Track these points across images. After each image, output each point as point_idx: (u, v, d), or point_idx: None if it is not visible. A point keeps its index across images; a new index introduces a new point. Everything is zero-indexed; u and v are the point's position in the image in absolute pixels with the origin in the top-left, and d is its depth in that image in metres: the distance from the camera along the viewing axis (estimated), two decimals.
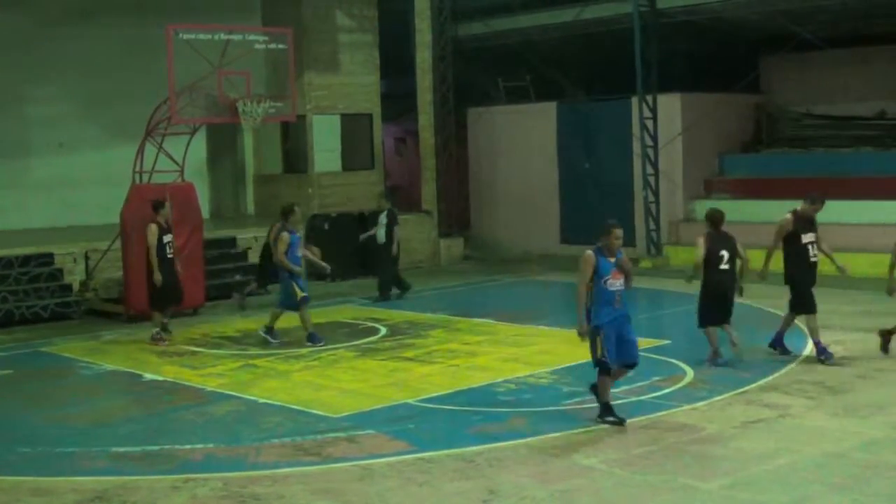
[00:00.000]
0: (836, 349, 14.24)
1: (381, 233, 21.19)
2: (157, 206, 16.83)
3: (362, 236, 22.28)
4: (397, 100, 29.07)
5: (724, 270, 13.77)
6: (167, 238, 16.66)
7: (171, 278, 16.72)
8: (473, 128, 29.68)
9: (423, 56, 27.40)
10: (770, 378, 12.78)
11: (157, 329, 16.62)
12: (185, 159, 19.79)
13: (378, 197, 22.67)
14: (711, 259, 13.76)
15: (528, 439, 10.46)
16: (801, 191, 23.79)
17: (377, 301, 20.56)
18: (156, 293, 16.71)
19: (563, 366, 13.90)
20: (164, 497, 9.14)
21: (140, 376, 14.41)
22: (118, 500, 9.08)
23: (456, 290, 22.36)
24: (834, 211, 23.05)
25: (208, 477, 9.59)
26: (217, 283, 20.88)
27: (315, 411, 11.91)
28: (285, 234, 16.09)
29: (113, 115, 24.00)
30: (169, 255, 16.75)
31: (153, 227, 16.43)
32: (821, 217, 22.80)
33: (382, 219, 21.28)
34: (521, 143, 28.42)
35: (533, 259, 26.48)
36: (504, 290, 22.42)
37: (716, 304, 13.84)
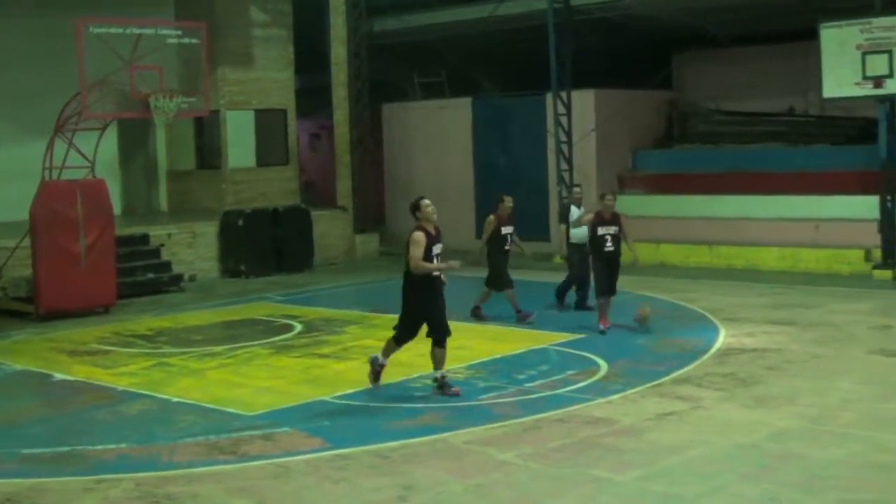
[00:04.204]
0: (746, 342, 14.47)
1: (580, 231, 17.21)
2: (414, 208, 12.38)
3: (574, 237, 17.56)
4: (312, 95, 28.98)
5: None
6: (437, 249, 12.24)
7: (435, 304, 12.31)
8: (389, 123, 29.69)
9: (338, 51, 27.31)
10: (682, 371, 12.93)
11: (378, 356, 12.78)
12: (97, 155, 19.52)
13: (567, 189, 18.39)
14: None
15: (444, 434, 10.47)
16: (713, 186, 24.37)
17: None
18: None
19: (478, 361, 13.96)
20: (75, 499, 9.01)
21: (50, 376, 14.17)
22: (28, 503, 8.94)
23: (371, 286, 22.33)
24: (743, 206, 23.55)
25: (121, 477, 9.46)
26: (129, 281, 20.63)
27: (230, 409, 11.81)
28: None
29: (22, 111, 23.60)
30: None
31: (418, 236, 12.04)
32: (730, 212, 23.36)
33: (577, 211, 17.83)
34: (437, 139, 28.47)
35: (448, 255, 26.49)
36: None
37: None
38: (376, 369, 12.60)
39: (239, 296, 20.81)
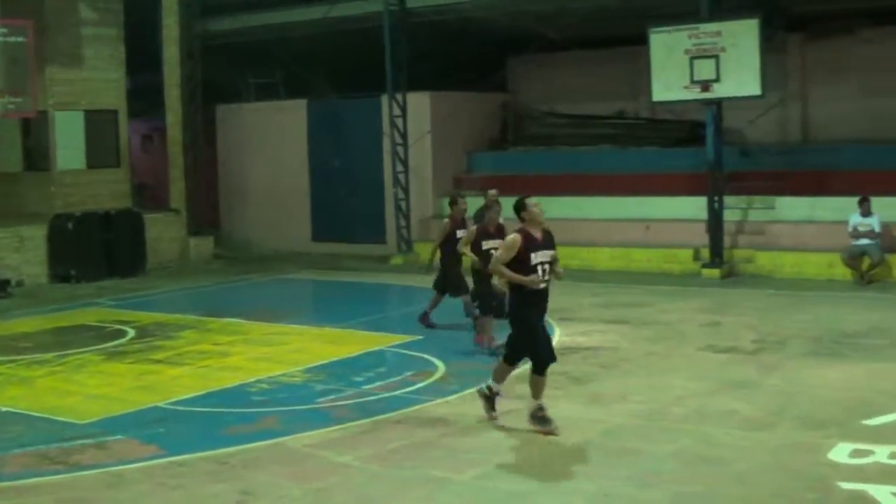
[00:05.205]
0: (580, 340, 14.72)
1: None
2: (520, 208, 10.63)
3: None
4: (144, 96, 28.42)
5: None
6: (542, 257, 10.40)
7: (536, 324, 10.62)
8: (223, 125, 29.38)
9: (171, 51, 26.86)
10: (519, 370, 13.06)
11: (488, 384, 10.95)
12: None
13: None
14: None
15: (283, 438, 10.39)
16: (547, 187, 24.77)
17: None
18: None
19: (316, 364, 13.89)
20: None
21: None
22: None
23: (206, 290, 22.03)
24: (577, 207, 23.96)
25: None
26: None
27: (61, 418, 11.50)
28: None
29: None
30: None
31: (513, 239, 10.40)
32: (564, 213, 23.73)
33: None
34: (272, 141, 28.28)
35: (285, 257, 26.37)
36: (255, 288, 22.23)
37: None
38: (491, 398, 10.83)
39: (69, 301, 20.30)
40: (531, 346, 10.38)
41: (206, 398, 12.28)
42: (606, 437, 10.13)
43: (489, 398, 10.80)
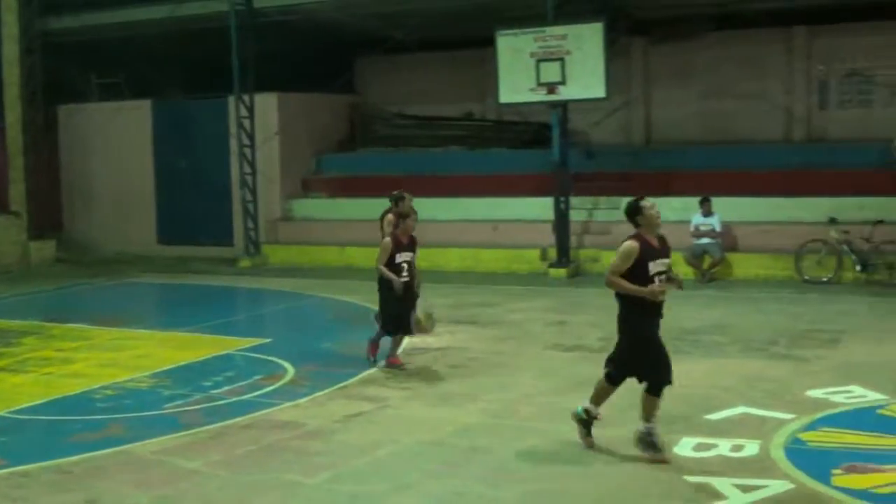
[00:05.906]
0: (430, 341, 14.75)
1: None
2: (634, 211, 9.59)
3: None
4: None
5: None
6: (660, 266, 9.41)
7: (652, 340, 9.56)
8: (65, 125, 28.75)
9: (10, 49, 26.16)
10: (368, 372, 13.08)
11: (586, 406, 9.90)
12: None
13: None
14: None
15: (129, 445, 10.19)
16: (395, 188, 24.76)
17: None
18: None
19: (162, 369, 13.67)
20: None
21: None
22: None
23: (48, 295, 21.51)
24: (426, 208, 23.96)
25: None
26: None
27: None
28: None
29: None
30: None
31: (629, 247, 9.34)
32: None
33: None
34: (116, 142, 27.78)
35: (130, 260, 25.91)
36: (100, 293, 21.77)
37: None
38: (589, 422, 9.74)
39: None
40: (649, 365, 9.36)
41: (49, 406, 11.97)
42: (457, 436, 10.18)
43: (586, 422, 9.73)
